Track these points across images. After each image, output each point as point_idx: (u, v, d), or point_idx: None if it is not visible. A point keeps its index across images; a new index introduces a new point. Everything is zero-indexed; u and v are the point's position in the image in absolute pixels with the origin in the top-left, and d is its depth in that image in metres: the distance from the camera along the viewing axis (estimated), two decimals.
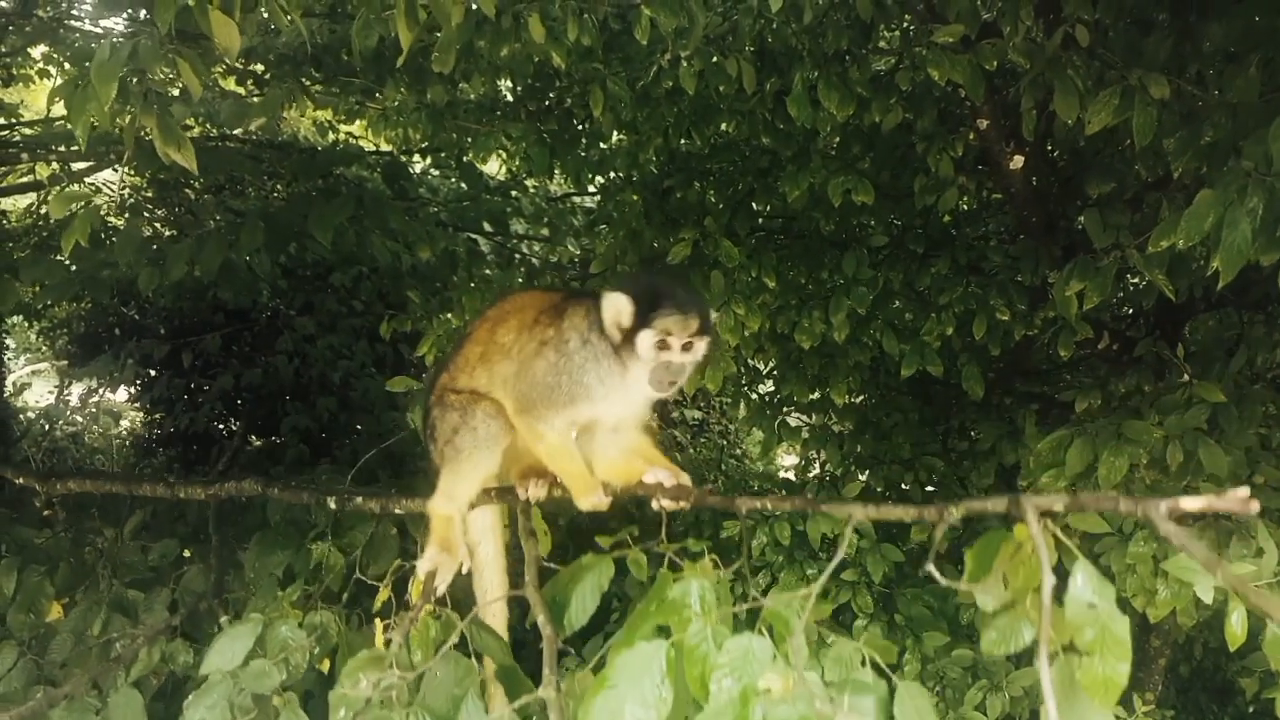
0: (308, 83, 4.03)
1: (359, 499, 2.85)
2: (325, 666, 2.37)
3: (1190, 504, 1.59)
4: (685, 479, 2.16)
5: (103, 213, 5.30)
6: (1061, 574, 1.50)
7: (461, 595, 2.21)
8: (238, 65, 4.79)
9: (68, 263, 4.72)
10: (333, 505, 2.95)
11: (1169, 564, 2.86)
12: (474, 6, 2.80)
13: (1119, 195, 3.60)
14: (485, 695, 1.83)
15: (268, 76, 5.09)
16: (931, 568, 1.75)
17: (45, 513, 4.15)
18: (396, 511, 2.81)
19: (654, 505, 2.19)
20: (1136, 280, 4.34)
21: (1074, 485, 3.30)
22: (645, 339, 2.02)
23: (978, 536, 1.78)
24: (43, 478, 3.61)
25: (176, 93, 4.72)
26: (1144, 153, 3.44)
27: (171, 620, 3.16)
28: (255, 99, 5.31)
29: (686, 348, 2.04)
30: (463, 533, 2.28)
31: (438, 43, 2.82)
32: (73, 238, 2.64)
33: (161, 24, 2.09)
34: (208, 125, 5.89)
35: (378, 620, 2.29)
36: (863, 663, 1.62)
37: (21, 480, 3.71)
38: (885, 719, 1.53)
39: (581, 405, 2.14)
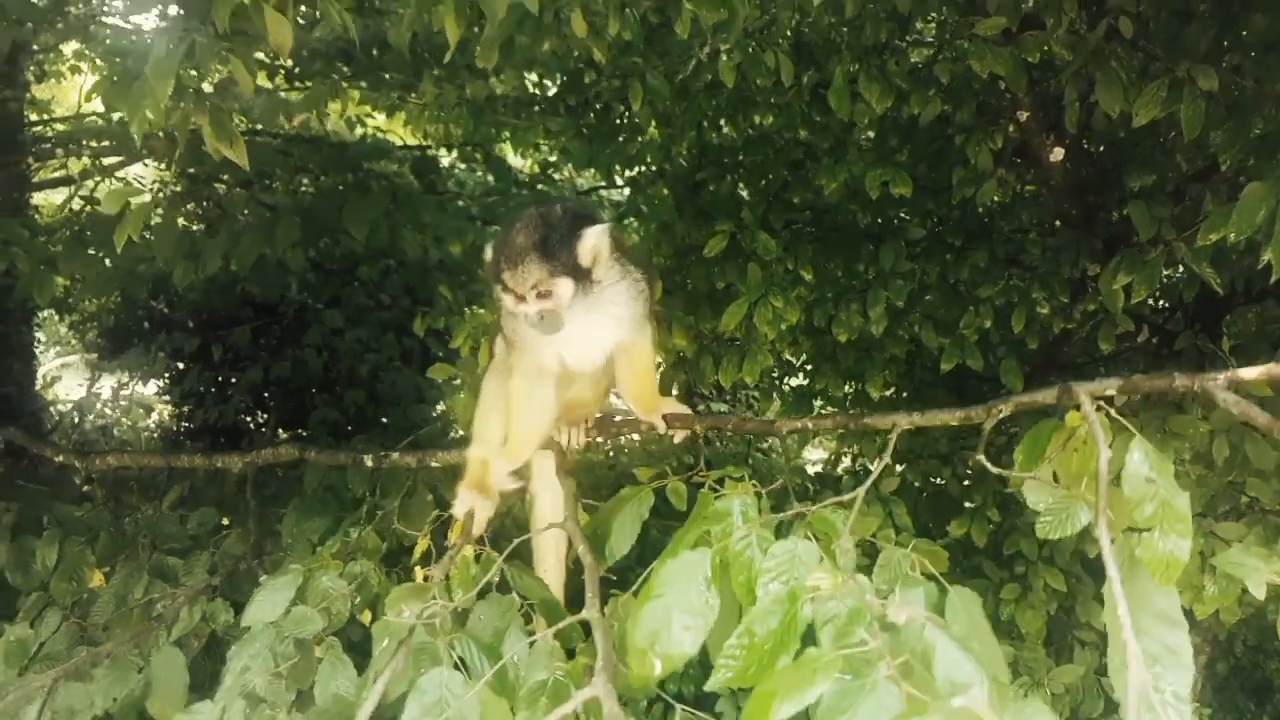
0: (347, 78, 4.04)
1: (395, 455, 2.87)
2: (366, 617, 2.38)
3: (1249, 373, 1.59)
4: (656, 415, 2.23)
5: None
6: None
7: (499, 536, 2.23)
8: (272, 61, 4.81)
9: (103, 257, 4.77)
10: (370, 464, 2.99)
11: (1218, 559, 2.83)
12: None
13: (1160, 187, 3.57)
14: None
15: (296, 71, 5.13)
16: (981, 457, 1.75)
17: (84, 488, 4.19)
18: (433, 465, 2.83)
19: (660, 427, 2.24)
20: (1170, 273, 4.31)
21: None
22: (500, 295, 1.99)
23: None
24: (81, 454, 3.65)
25: (209, 88, 4.74)
26: (1186, 145, 3.41)
27: (211, 581, 3.19)
28: (285, 94, 5.34)
29: (543, 296, 1.94)
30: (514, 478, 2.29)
31: (481, 38, 2.82)
32: (125, 232, 2.66)
33: (219, 22, 2.10)
34: (239, 120, 5.93)
35: (417, 568, 2.31)
36: (912, 569, 1.60)
37: (61, 458, 3.74)
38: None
39: (524, 355, 2.17)
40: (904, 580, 1.52)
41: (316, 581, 2.23)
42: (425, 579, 2.14)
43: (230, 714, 1.91)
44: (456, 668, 1.68)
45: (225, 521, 3.77)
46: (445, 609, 1.83)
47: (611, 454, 5.01)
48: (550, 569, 2.27)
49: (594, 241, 1.97)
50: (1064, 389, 1.63)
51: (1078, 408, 1.61)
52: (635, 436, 4.21)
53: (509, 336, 2.21)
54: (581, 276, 1.98)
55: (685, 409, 2.30)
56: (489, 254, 2.03)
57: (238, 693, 1.94)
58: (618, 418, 2.49)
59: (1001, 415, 1.78)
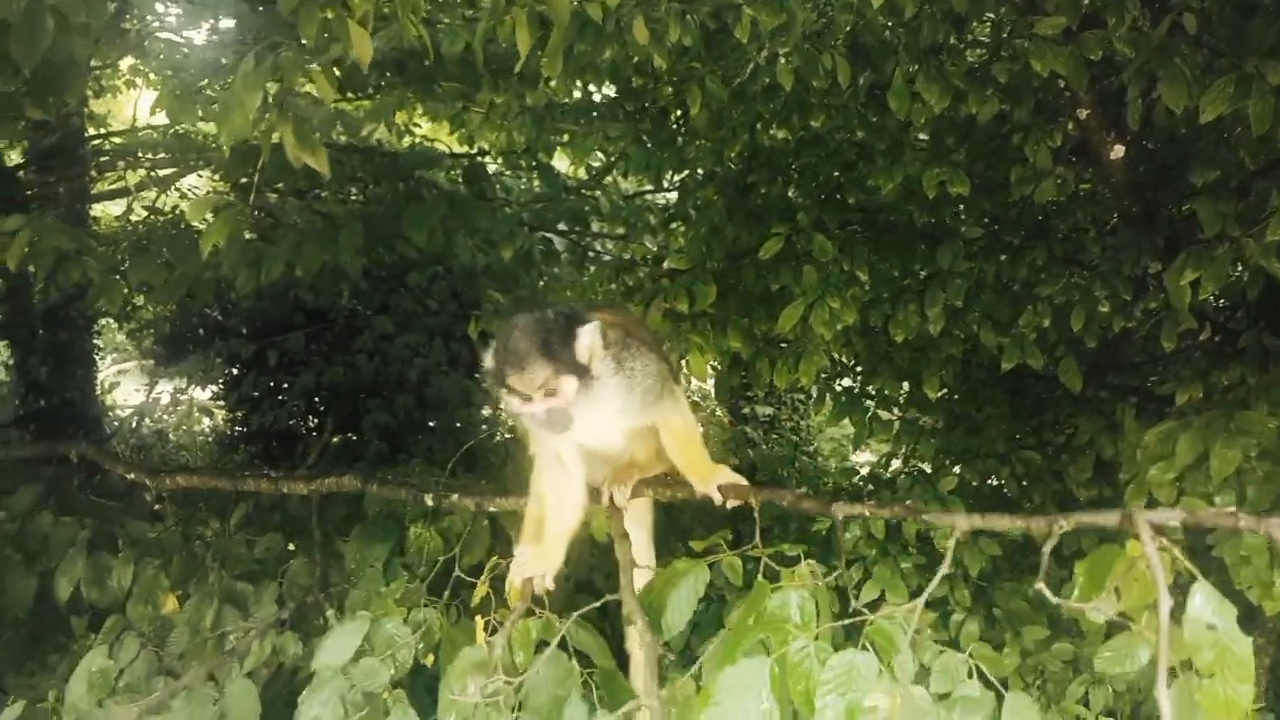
0: (409, 89, 4.12)
1: (454, 496, 2.94)
2: (429, 661, 2.44)
3: None
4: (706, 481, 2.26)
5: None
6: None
7: (560, 595, 2.28)
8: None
9: (169, 264, 4.88)
10: (430, 502, 3.06)
11: None
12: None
13: (1224, 183, 3.54)
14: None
15: (350, 82, 5.22)
16: (1042, 586, 1.73)
17: (155, 506, 4.29)
18: (490, 510, 2.90)
19: (715, 498, 2.26)
20: (1230, 271, 4.27)
21: (1182, 478, 3.27)
22: (506, 398, 2.07)
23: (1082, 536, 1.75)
24: (152, 473, 3.76)
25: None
26: (1250, 140, 3.39)
27: (280, 614, 3.28)
28: (339, 104, 5.43)
29: (549, 394, 2.03)
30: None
31: (546, 47, 2.87)
32: (212, 238, 2.75)
33: (306, 37, 2.16)
34: None
35: (477, 618, 2.35)
36: (969, 675, 1.62)
37: (132, 475, 3.84)
38: None
39: (545, 442, 2.27)
40: (962, 703, 1.56)
41: (382, 628, 2.31)
42: (486, 627, 2.22)
43: None
44: None
45: (291, 547, 3.87)
46: (509, 684, 1.89)
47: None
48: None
49: (589, 340, 2.07)
50: (1125, 516, 1.62)
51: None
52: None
53: (529, 429, 2.29)
54: (583, 373, 2.07)
55: (740, 479, 2.32)
56: (489, 361, 2.11)
57: None
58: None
59: (1063, 531, 1.76)
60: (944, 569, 1.80)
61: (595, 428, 2.22)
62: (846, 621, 1.71)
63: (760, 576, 1.88)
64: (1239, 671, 1.40)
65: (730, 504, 2.28)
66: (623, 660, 2.26)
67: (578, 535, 2.40)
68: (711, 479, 2.28)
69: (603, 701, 1.91)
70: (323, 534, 3.67)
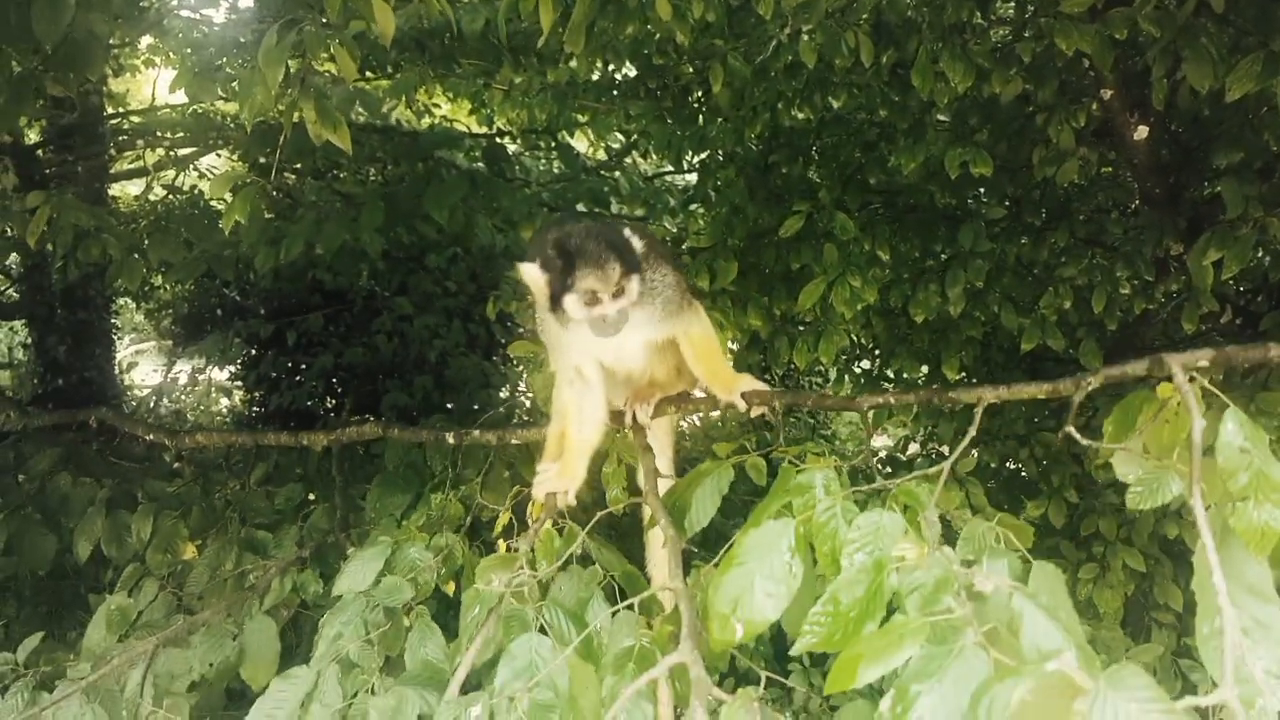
0: (429, 67, 4.12)
1: (475, 432, 2.93)
2: (450, 588, 2.45)
3: None
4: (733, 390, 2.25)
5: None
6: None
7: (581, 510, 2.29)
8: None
9: (189, 242, 4.91)
10: (451, 440, 3.05)
11: None
12: None
13: (1248, 165, 3.52)
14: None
15: (371, 61, 5.22)
16: (1071, 429, 1.73)
17: (174, 465, 4.32)
18: (514, 442, 2.90)
19: (739, 406, 2.27)
20: (1255, 256, 4.24)
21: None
22: (572, 302, 2.05)
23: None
24: (171, 433, 3.78)
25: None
26: (1275, 122, 3.36)
27: (300, 553, 3.30)
28: (359, 83, 5.44)
29: (618, 294, 2.04)
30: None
31: (569, 23, 2.86)
32: (233, 216, 2.76)
33: (331, 13, 2.17)
34: None
35: (500, 541, 2.36)
36: (996, 540, 1.60)
37: (151, 436, 3.87)
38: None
39: (565, 358, 2.28)
40: (990, 551, 1.52)
41: (404, 553, 2.32)
42: (509, 549, 2.20)
43: (325, 678, 1.99)
44: (543, 633, 1.75)
45: (311, 497, 3.89)
46: (533, 578, 1.91)
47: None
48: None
49: (639, 244, 2.11)
50: (1155, 360, 1.61)
51: (1169, 379, 1.59)
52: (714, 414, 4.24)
53: (548, 346, 2.34)
54: (642, 273, 2.10)
55: (763, 385, 2.32)
56: (544, 267, 2.08)
57: (331, 658, 2.03)
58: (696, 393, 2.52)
59: (1090, 388, 1.75)
60: (972, 431, 1.79)
61: (621, 338, 2.19)
62: (873, 486, 1.69)
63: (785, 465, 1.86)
64: (1274, 495, 1.37)
65: (755, 411, 2.27)
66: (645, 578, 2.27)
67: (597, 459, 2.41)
68: (735, 387, 2.28)
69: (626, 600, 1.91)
70: (343, 481, 3.70)
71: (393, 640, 2.11)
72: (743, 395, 2.27)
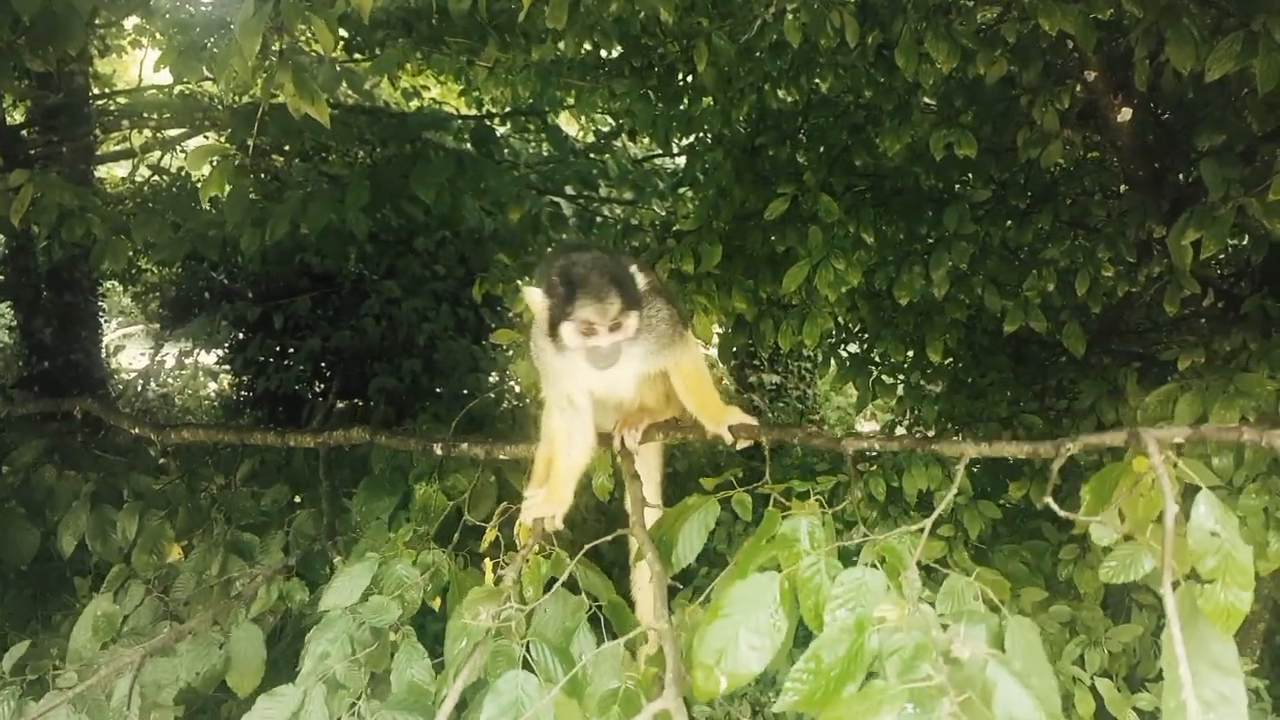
0: (413, 44, 4.10)
1: (463, 445, 2.94)
2: (436, 604, 2.46)
3: None
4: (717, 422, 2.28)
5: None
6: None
7: (567, 536, 2.30)
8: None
9: (174, 223, 4.89)
10: (439, 451, 3.06)
11: None
12: None
13: (1230, 148, 3.53)
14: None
15: (357, 41, 5.20)
16: (1050, 500, 1.77)
17: (160, 461, 4.31)
18: (501, 457, 2.91)
19: (726, 438, 2.30)
20: (1235, 241, 4.26)
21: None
22: (568, 330, 2.09)
23: (1084, 479, 1.78)
24: (158, 428, 3.77)
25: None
26: (1257, 105, 3.37)
27: (286, 560, 3.31)
28: (345, 64, 5.41)
29: (615, 328, 2.08)
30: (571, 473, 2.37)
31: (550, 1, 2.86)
32: (210, 189, 2.76)
33: None
34: None
35: (486, 560, 2.37)
36: (975, 598, 1.64)
37: (137, 430, 3.85)
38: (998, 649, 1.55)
39: (558, 385, 2.31)
40: (968, 615, 1.56)
41: (391, 569, 2.34)
42: (495, 569, 2.24)
43: (311, 698, 2.01)
44: (528, 668, 1.77)
45: (297, 499, 3.89)
46: (519, 612, 1.92)
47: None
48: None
49: (642, 280, 2.14)
50: (1132, 434, 1.65)
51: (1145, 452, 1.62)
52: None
53: (541, 371, 2.35)
54: (641, 309, 2.13)
55: (750, 419, 2.35)
56: (547, 294, 2.12)
57: (318, 677, 2.05)
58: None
59: (1069, 453, 1.78)
60: (953, 490, 1.84)
61: (615, 369, 2.22)
62: (857, 541, 1.73)
63: (771, 507, 1.90)
64: (1240, 578, 1.44)
65: (741, 444, 2.31)
66: (629, 605, 2.28)
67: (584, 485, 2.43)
68: (723, 419, 2.31)
69: (610, 632, 1.92)
70: (330, 486, 3.71)
71: (379, 658, 2.14)
72: (730, 429, 2.30)
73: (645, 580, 2.21)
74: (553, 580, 2.06)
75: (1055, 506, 1.75)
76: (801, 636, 1.60)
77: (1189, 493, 1.54)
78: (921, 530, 1.70)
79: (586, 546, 2.12)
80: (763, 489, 2.10)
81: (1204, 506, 1.48)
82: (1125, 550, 1.72)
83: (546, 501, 2.30)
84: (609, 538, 2.28)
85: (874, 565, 1.64)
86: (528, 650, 1.83)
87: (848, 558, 1.70)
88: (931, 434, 4.73)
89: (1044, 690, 1.35)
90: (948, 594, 1.66)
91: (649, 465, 2.55)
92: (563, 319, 2.08)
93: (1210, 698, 1.42)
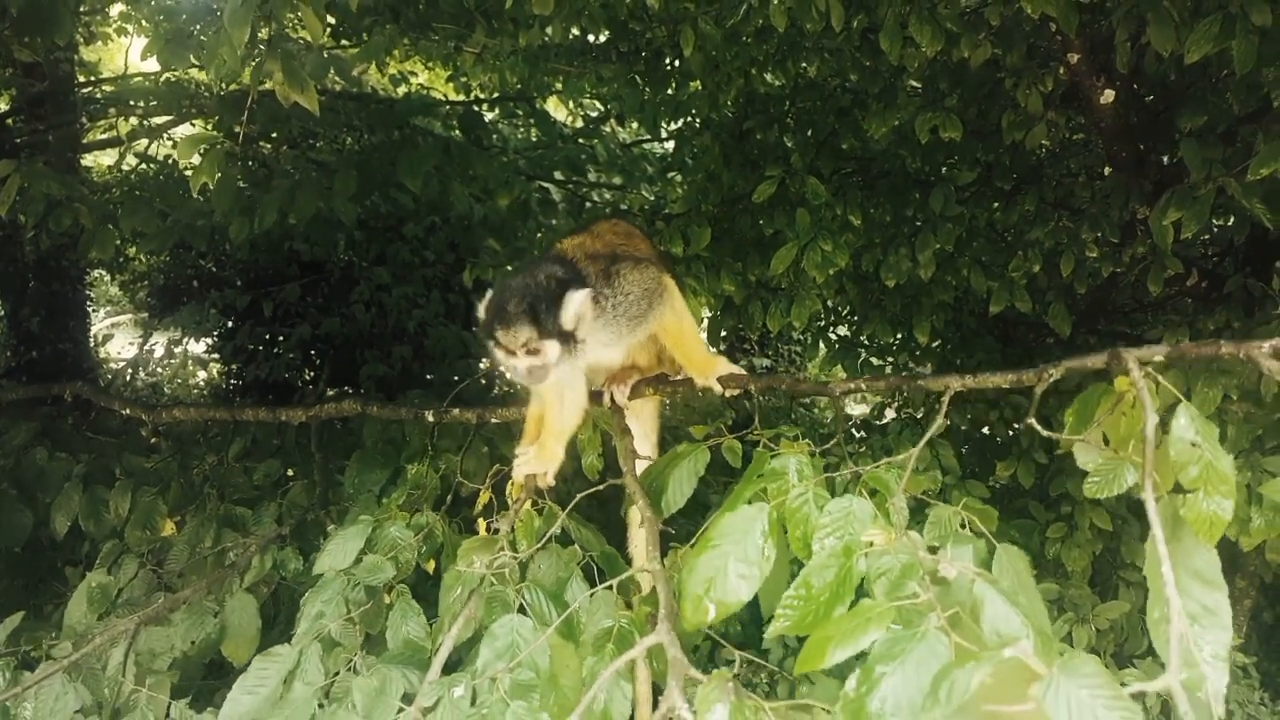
0: (402, 30, 4.10)
1: (455, 411, 2.94)
2: (431, 566, 2.47)
3: None
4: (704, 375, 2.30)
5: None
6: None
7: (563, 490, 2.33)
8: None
9: (162, 211, 4.88)
10: (431, 418, 3.05)
11: (1266, 488, 2.87)
12: None
13: (1212, 129, 3.56)
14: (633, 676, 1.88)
15: (344, 28, 5.20)
16: (1033, 421, 1.80)
17: (151, 441, 4.32)
18: (493, 421, 2.92)
19: (715, 389, 2.32)
20: (1220, 221, 4.30)
21: (1166, 416, 3.31)
22: (492, 347, 2.15)
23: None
24: (148, 408, 3.76)
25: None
26: (1237, 86, 3.40)
27: (280, 530, 3.32)
28: (333, 50, 5.40)
29: (531, 353, 2.10)
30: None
31: None
32: (201, 178, 2.76)
33: None
34: None
35: (480, 520, 2.39)
36: (961, 526, 1.66)
37: (128, 411, 3.85)
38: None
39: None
40: (954, 537, 1.59)
41: (385, 532, 2.35)
42: (488, 529, 2.25)
43: (307, 656, 2.02)
44: (523, 614, 1.79)
45: (290, 473, 3.90)
46: (514, 559, 1.95)
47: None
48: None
49: (577, 308, 2.11)
50: (1113, 354, 1.66)
51: (1126, 373, 1.65)
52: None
53: None
54: (566, 338, 2.13)
55: (740, 370, 2.37)
56: (481, 312, 2.17)
57: (313, 636, 2.06)
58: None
59: (1052, 379, 1.81)
60: (939, 421, 1.86)
61: (593, 361, 2.27)
62: (845, 471, 1.75)
63: (760, 449, 1.92)
64: (1221, 486, 1.44)
65: (730, 393, 2.33)
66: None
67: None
68: (711, 372, 2.33)
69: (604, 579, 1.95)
70: (322, 458, 3.72)
71: (374, 618, 2.15)
72: (719, 379, 2.32)
73: (638, 525, 2.23)
74: (547, 539, 2.08)
75: (1038, 426, 1.78)
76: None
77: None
78: (907, 459, 1.71)
79: (579, 496, 2.15)
80: (753, 435, 2.12)
81: (1184, 419, 1.49)
82: (1107, 465, 1.70)
83: (538, 458, 2.32)
84: (600, 485, 2.33)
85: (862, 494, 1.65)
86: (522, 597, 1.86)
87: (836, 492, 1.72)
88: (920, 416, 4.77)
89: (1031, 609, 1.37)
90: (935, 523, 1.66)
91: (645, 424, 2.57)
92: (488, 338, 2.14)
93: (1194, 610, 1.44)
